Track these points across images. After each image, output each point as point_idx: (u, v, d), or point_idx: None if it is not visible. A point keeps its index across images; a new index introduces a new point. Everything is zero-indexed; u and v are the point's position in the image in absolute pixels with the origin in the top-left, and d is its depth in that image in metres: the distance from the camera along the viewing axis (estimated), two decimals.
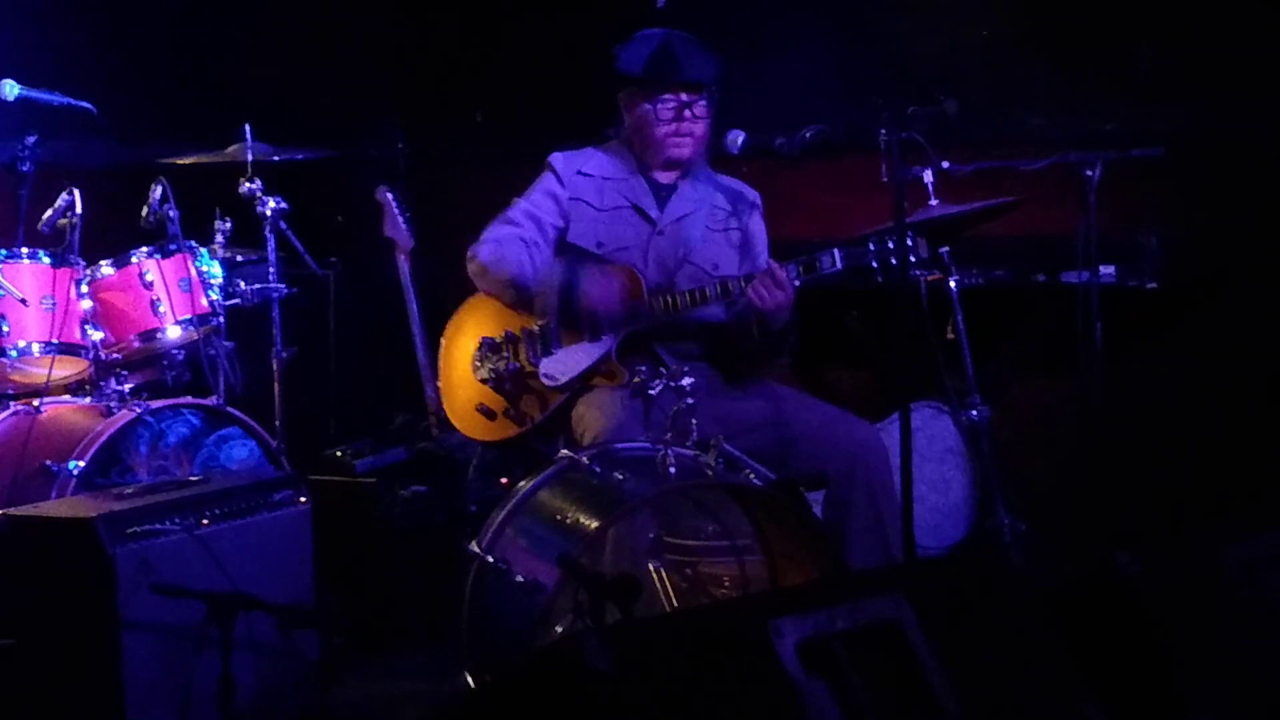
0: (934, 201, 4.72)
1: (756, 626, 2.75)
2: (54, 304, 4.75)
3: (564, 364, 4.46)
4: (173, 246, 4.95)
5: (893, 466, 4.21)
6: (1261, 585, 3.21)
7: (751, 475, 3.91)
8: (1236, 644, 3.17)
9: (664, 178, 4.61)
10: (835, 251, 4.26)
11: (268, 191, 5.28)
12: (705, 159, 4.64)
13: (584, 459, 3.87)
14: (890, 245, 4.18)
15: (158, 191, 4.96)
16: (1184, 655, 3.10)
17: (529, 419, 4.54)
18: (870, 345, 5.57)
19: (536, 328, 4.52)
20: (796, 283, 4.28)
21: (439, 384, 4.83)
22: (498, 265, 4.50)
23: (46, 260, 4.78)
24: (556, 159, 4.63)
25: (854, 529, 4.24)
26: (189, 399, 4.97)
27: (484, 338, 4.62)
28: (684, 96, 4.46)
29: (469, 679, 3.82)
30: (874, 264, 4.23)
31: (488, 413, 4.61)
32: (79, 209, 4.83)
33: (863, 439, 4.32)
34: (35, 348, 4.74)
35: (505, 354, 4.58)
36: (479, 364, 4.63)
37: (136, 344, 4.93)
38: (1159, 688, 3.08)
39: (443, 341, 4.79)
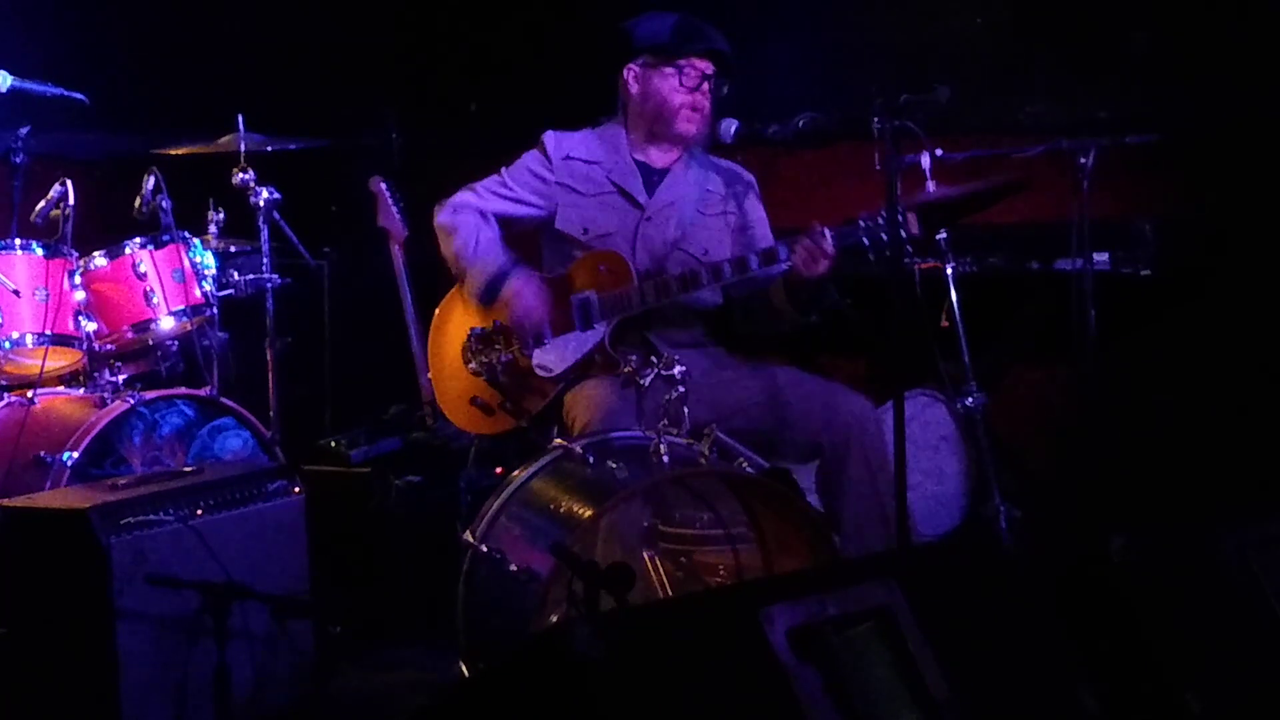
0: (931, 185, 4.71)
1: (748, 613, 2.75)
2: (47, 295, 4.75)
3: (557, 354, 4.46)
4: (166, 237, 4.95)
5: (887, 444, 4.20)
6: (1255, 570, 3.22)
7: (745, 463, 3.91)
8: (1230, 629, 3.17)
9: (658, 161, 4.60)
10: (826, 231, 4.25)
11: (261, 182, 5.27)
12: (703, 144, 4.64)
13: (578, 448, 3.86)
14: (880, 221, 4.18)
15: (151, 182, 4.95)
16: (1178, 640, 3.10)
17: (527, 412, 4.53)
18: (865, 332, 5.56)
19: None
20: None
21: (430, 374, 4.82)
22: (448, 233, 4.58)
23: (39, 251, 4.78)
24: (548, 138, 4.63)
25: (851, 501, 4.23)
26: (183, 390, 4.97)
27: (473, 328, 4.61)
28: (708, 68, 4.48)
29: (464, 668, 3.83)
30: (864, 240, 4.22)
31: (484, 407, 4.59)
32: (72, 200, 4.84)
33: (857, 411, 4.30)
34: (29, 339, 4.74)
35: (497, 345, 4.57)
36: (470, 356, 4.61)
37: (130, 335, 4.93)
38: (1153, 672, 3.08)
39: (431, 331, 4.78)
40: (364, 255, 5.71)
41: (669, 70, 4.49)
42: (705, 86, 4.49)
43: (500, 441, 4.67)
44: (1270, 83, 5.00)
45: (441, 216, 4.61)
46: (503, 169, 4.65)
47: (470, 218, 4.56)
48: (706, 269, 4.35)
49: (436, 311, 4.77)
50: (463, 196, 4.63)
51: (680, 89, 4.50)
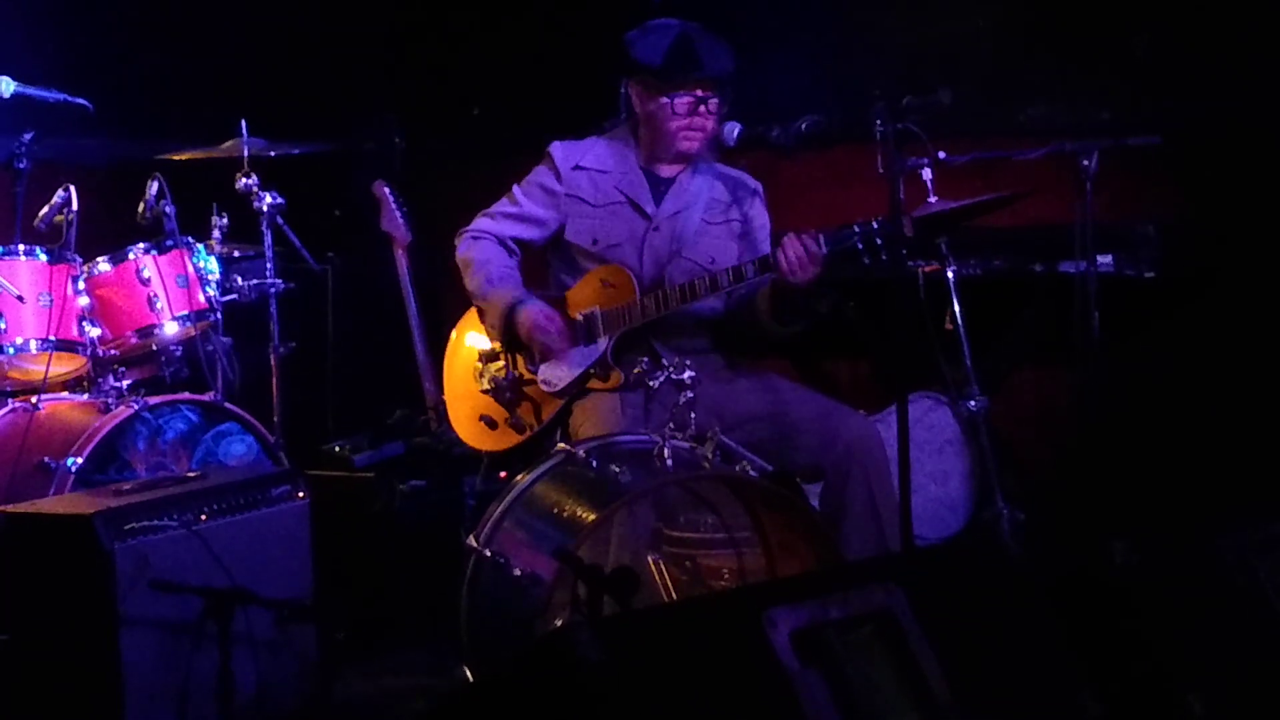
0: (933, 199, 4.70)
1: (750, 617, 2.75)
2: (51, 301, 4.75)
3: (561, 368, 4.47)
4: (169, 242, 4.96)
5: (890, 458, 4.21)
6: (1255, 574, 3.22)
7: (748, 467, 3.91)
8: (1231, 632, 3.17)
9: (665, 171, 4.60)
10: (819, 235, 4.24)
11: (264, 187, 5.28)
12: (709, 152, 4.64)
13: (580, 452, 3.87)
14: (875, 226, 4.16)
15: (154, 187, 4.96)
16: (1179, 643, 3.10)
17: (529, 427, 4.54)
18: (868, 336, 5.57)
19: None
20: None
21: (444, 396, 4.83)
22: (465, 268, 4.59)
23: (43, 257, 4.79)
24: (556, 150, 4.62)
25: (850, 523, 4.24)
26: (187, 395, 4.97)
27: (483, 348, 4.64)
28: (700, 93, 4.45)
29: (468, 673, 3.83)
30: (859, 245, 4.20)
31: (490, 423, 4.61)
32: (75, 206, 4.84)
33: (859, 432, 4.31)
34: (33, 344, 4.74)
35: (504, 363, 4.60)
36: (480, 374, 4.64)
37: (134, 340, 4.94)
38: (1154, 676, 3.08)
39: (446, 353, 4.80)
40: (367, 260, 5.73)
41: (662, 99, 4.48)
42: (702, 109, 4.47)
43: (509, 455, 4.66)
44: (1273, 83, 5.00)
45: (460, 249, 4.63)
46: (514, 187, 4.63)
47: (486, 249, 4.58)
48: (704, 279, 4.34)
49: (451, 336, 4.79)
50: (480, 224, 4.64)
51: (675, 115, 4.47)
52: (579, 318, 4.48)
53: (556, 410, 4.48)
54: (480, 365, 4.65)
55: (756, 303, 4.43)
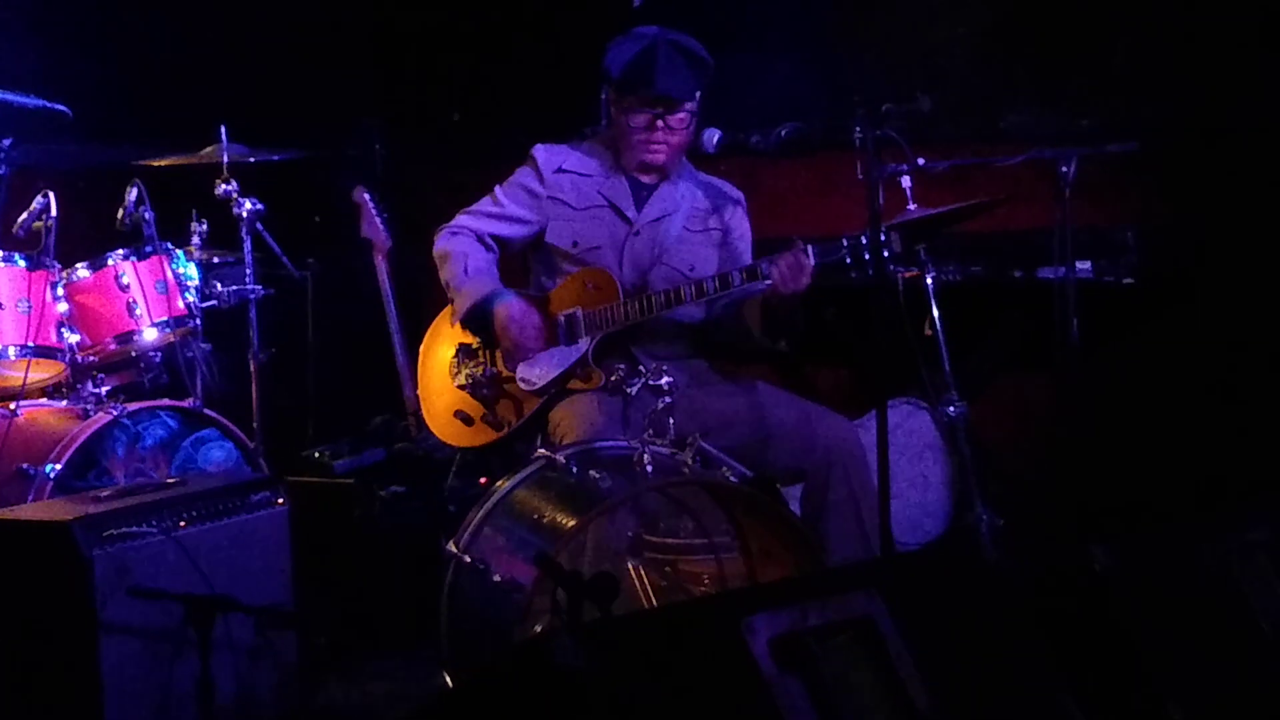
0: (912, 206, 4.71)
1: (730, 623, 2.76)
2: (30, 307, 4.74)
3: (540, 367, 4.46)
4: (149, 248, 4.95)
5: (871, 463, 4.22)
6: (1234, 579, 3.23)
7: (728, 472, 3.91)
8: (1211, 636, 3.18)
9: (645, 178, 4.60)
10: (809, 248, 4.26)
11: (244, 193, 5.26)
12: (686, 159, 4.64)
13: (561, 458, 3.87)
14: (864, 240, 4.19)
15: (133, 193, 4.95)
16: (1158, 648, 3.11)
17: (506, 424, 4.54)
18: (848, 342, 5.58)
19: None
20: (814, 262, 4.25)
21: (419, 392, 4.83)
22: (441, 261, 4.58)
23: (22, 263, 4.78)
24: (539, 152, 4.63)
25: (833, 526, 4.25)
26: (166, 401, 4.96)
27: (461, 344, 4.64)
28: (657, 109, 4.45)
29: (448, 679, 3.83)
30: (847, 259, 4.23)
31: (465, 419, 4.60)
32: (54, 211, 4.83)
33: (840, 436, 4.33)
34: (11, 351, 4.73)
35: (482, 359, 4.59)
36: (457, 370, 4.63)
37: (113, 346, 4.92)
38: (1133, 680, 3.09)
39: (421, 349, 4.80)
40: (347, 266, 5.72)
41: (622, 113, 4.49)
42: (660, 125, 4.46)
43: (485, 452, 4.67)
44: (1249, 91, 5.02)
45: (438, 244, 4.62)
46: (496, 187, 4.64)
47: (463, 243, 4.57)
48: (690, 285, 4.35)
49: (427, 332, 4.79)
50: (460, 220, 4.64)
51: (633, 129, 4.48)
52: (560, 318, 4.48)
53: (535, 409, 4.47)
54: (456, 360, 4.64)
55: (744, 315, 4.44)
